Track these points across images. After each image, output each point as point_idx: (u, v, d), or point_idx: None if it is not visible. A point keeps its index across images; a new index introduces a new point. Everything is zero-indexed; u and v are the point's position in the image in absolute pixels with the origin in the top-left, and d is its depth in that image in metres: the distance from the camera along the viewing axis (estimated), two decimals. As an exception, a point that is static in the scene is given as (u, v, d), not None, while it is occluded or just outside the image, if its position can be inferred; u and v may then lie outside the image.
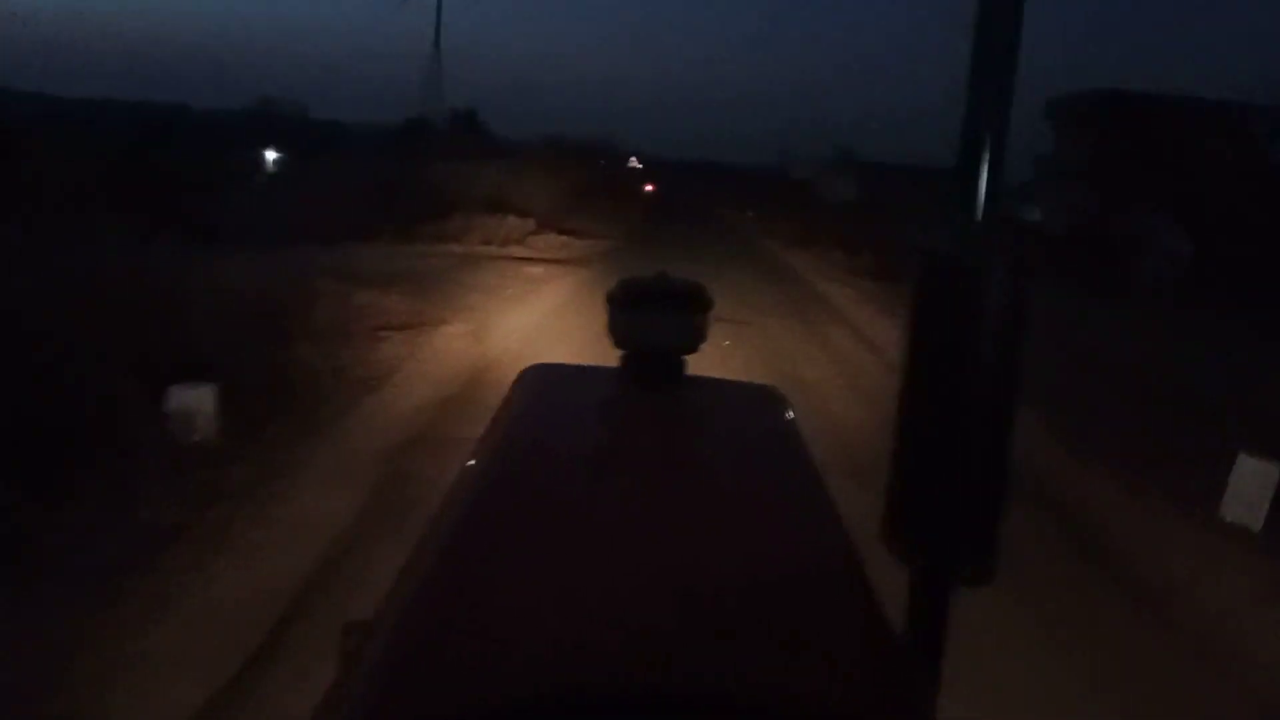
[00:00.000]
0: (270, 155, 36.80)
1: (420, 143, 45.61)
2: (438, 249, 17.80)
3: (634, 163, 72.79)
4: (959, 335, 1.00)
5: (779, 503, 1.35)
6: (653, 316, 1.62)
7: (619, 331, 1.64)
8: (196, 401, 6.12)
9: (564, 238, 22.01)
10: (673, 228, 29.48)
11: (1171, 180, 32.17)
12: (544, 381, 1.80)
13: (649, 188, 51.04)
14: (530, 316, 12.00)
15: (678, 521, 1.21)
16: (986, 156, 1.01)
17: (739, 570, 1.09)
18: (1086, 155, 36.10)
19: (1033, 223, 42.48)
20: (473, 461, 1.39)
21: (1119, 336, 12.48)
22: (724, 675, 0.87)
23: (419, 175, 25.62)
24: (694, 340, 1.64)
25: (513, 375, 1.80)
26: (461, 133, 53.05)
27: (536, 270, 16.28)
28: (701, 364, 1.66)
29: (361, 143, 42.13)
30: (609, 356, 1.66)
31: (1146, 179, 32.71)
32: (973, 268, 1.00)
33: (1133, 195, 31.88)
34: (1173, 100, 35.13)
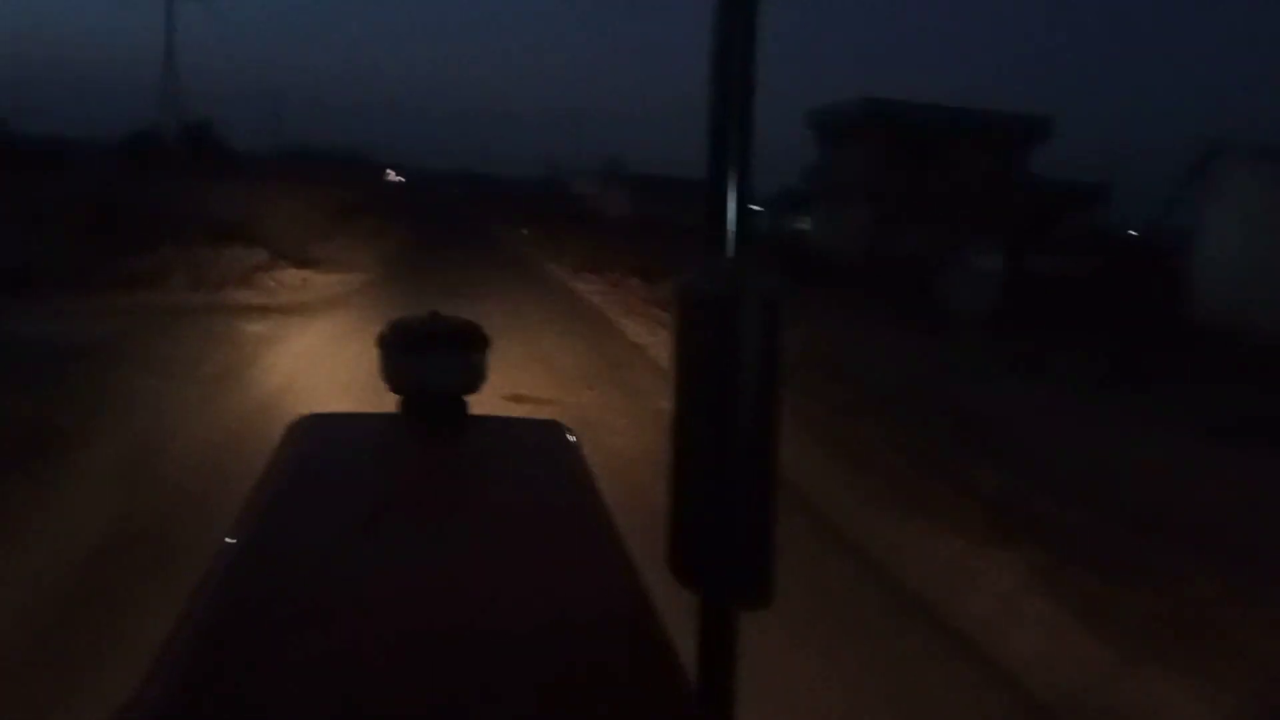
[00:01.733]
0: None
1: (145, 159, 40.37)
2: (127, 299, 13.17)
3: (393, 175, 67.44)
4: (719, 366, 1.04)
5: (565, 542, 1.31)
6: (428, 358, 1.57)
7: (394, 376, 1.58)
8: None
9: (304, 272, 17.53)
10: (442, 252, 25.09)
11: (942, 191, 31.79)
12: (317, 431, 1.69)
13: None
14: (227, 420, 7.75)
15: (460, 570, 1.18)
16: (733, 193, 1.07)
17: (525, 613, 1.07)
18: (855, 167, 35.45)
19: (802, 232, 42.33)
20: (243, 517, 1.30)
21: (1006, 405, 9.93)
22: None
23: (135, 197, 21.60)
24: (473, 380, 1.61)
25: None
26: (194, 147, 47.60)
27: (258, 328, 12.00)
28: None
29: (81, 158, 37.11)
30: None
31: (917, 190, 32.20)
32: (726, 300, 1.04)
33: (908, 208, 31.18)
34: (926, 108, 34.93)
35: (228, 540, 1.23)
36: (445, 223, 39.36)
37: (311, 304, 14.71)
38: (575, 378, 10.54)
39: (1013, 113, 36.55)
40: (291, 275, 16.93)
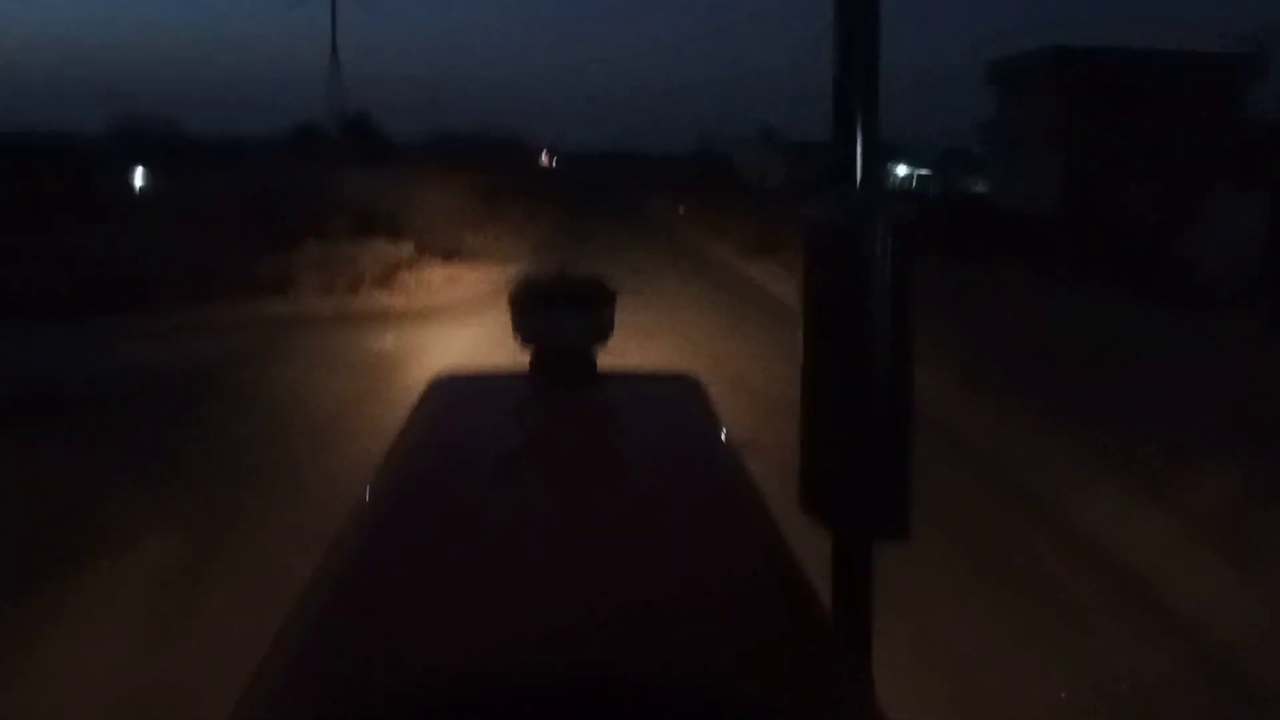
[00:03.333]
0: (140, 177, 31.98)
1: (308, 153, 40.41)
2: (251, 309, 11.44)
3: (546, 158, 66.18)
4: (849, 299, 1.01)
5: (699, 489, 1.29)
6: (558, 314, 1.58)
7: (524, 331, 1.61)
8: None
9: (450, 268, 15.58)
10: (597, 238, 22.34)
11: (1148, 142, 27.44)
12: (453, 389, 1.74)
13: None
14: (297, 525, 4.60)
15: (597, 517, 1.18)
16: (860, 123, 1.03)
17: (664, 560, 1.05)
18: (1044, 120, 31.59)
19: (979, 195, 38.42)
20: (383, 472, 1.31)
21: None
22: (650, 661, 0.83)
23: (291, 190, 20.77)
24: (602, 335, 1.61)
25: None
26: (354, 138, 47.61)
27: (389, 344, 9.88)
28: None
29: (251, 155, 37.40)
30: None
31: (1118, 142, 27.99)
32: (855, 230, 1.00)
33: (1108, 161, 27.08)
34: (1121, 52, 30.56)
35: (367, 492, 1.23)
36: (599, 204, 37.00)
37: (455, 307, 12.57)
38: (782, 409, 7.83)
39: (1221, 51, 31.61)
40: (436, 272, 14.93)
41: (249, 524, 5.00)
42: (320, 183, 23.09)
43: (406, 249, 15.67)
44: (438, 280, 14.50)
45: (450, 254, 16.56)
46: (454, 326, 10.99)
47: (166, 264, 12.86)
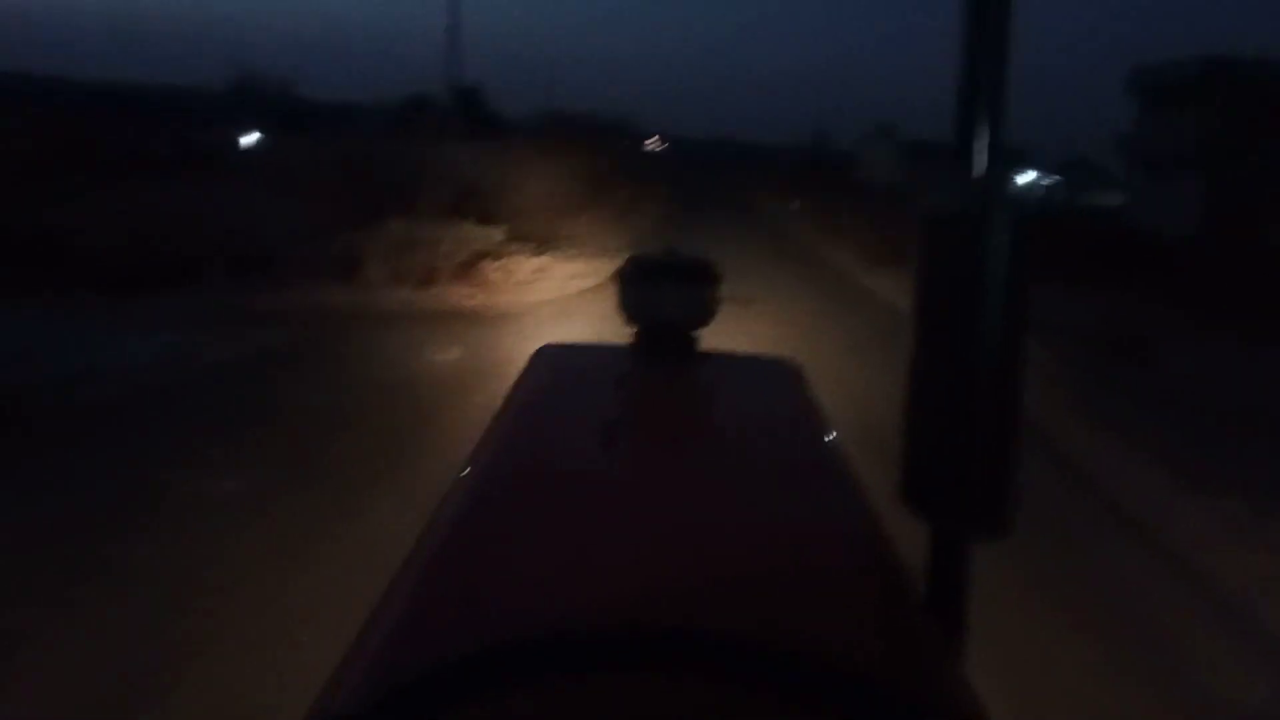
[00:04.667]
0: (249, 136, 31.54)
1: (416, 123, 39.70)
2: (310, 296, 9.99)
3: (652, 144, 64.06)
4: (964, 288, 0.97)
5: (797, 473, 1.26)
6: (664, 292, 1.61)
7: (630, 308, 1.63)
8: None
9: (540, 259, 14.00)
10: (703, 233, 19.96)
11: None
12: (557, 360, 1.76)
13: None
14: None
15: (694, 494, 1.15)
16: (985, 113, 0.99)
17: (759, 537, 1.04)
18: (1189, 137, 28.76)
19: (1110, 208, 35.52)
20: (488, 436, 1.30)
21: None
22: (745, 623, 0.82)
23: (392, 160, 19.49)
24: (705, 315, 1.62)
25: None
26: (463, 111, 46.84)
27: (454, 356, 8.18)
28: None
29: (361, 122, 37.03)
30: None
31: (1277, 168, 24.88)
32: (973, 219, 0.97)
33: (1266, 189, 24.04)
34: (1285, 66, 27.57)
35: (482, 439, 1.27)
36: (706, 195, 34.79)
37: (539, 309, 10.91)
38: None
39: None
40: (524, 264, 13.31)
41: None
42: (420, 155, 22.08)
43: (497, 234, 14.14)
44: (525, 273, 12.85)
45: (542, 243, 14.99)
46: (531, 337, 9.36)
47: (234, 235, 11.66)
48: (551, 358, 1.73)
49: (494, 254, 13.22)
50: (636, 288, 1.60)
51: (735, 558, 0.96)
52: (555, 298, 11.66)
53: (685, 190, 34.48)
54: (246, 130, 32.62)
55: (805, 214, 28.23)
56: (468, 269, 12.18)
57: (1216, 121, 27.59)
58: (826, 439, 1.39)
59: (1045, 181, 50.65)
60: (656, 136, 66.67)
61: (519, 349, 7.80)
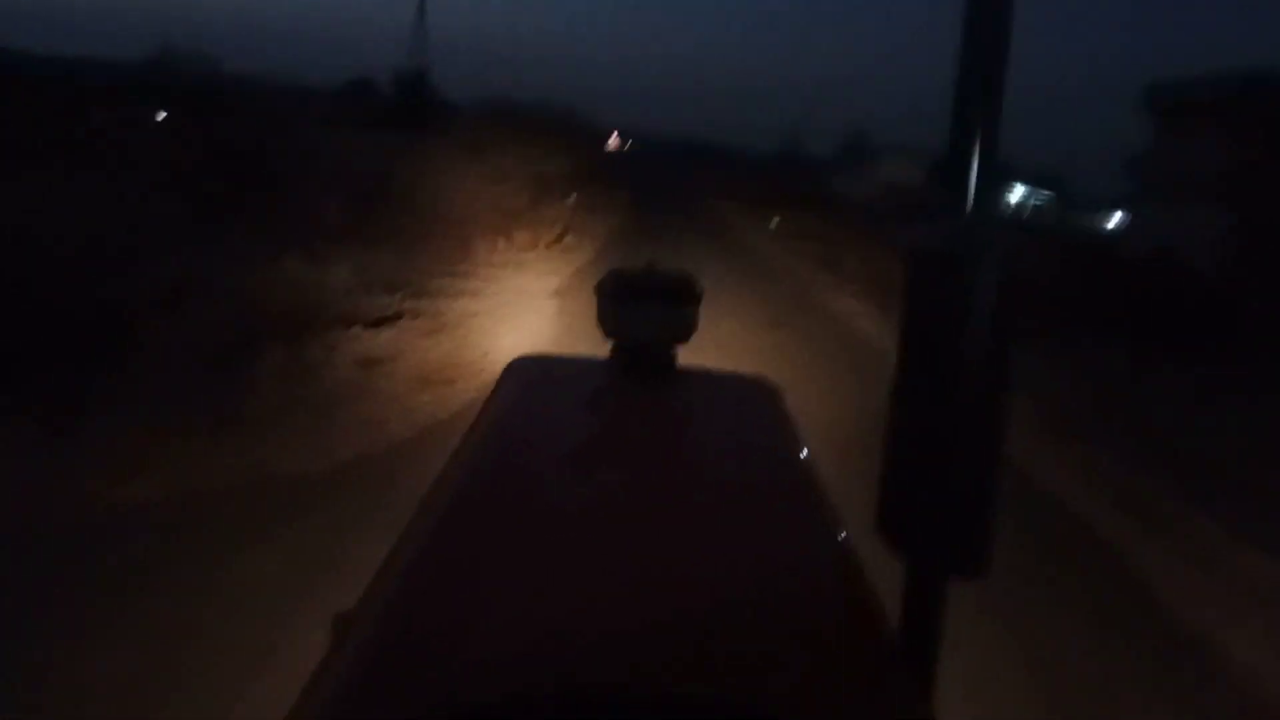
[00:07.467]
0: (159, 116, 27.42)
1: (350, 110, 35.13)
2: None
3: (613, 142, 58.24)
4: (949, 328, 0.96)
5: (771, 495, 1.26)
6: (643, 308, 1.57)
7: (608, 323, 1.59)
8: None
9: (366, 341, 8.93)
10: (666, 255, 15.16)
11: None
12: (532, 373, 1.71)
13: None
14: None
15: (666, 515, 1.14)
16: (976, 150, 0.96)
17: (730, 565, 1.03)
18: (1213, 161, 24.76)
19: (1106, 232, 32.19)
20: (459, 452, 1.29)
21: None
22: (709, 674, 0.81)
23: (289, 152, 15.47)
24: (684, 331, 1.60)
25: None
26: (405, 97, 42.03)
27: None
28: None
29: (286, 106, 32.01)
30: None
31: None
32: (961, 261, 0.95)
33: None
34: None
35: (455, 455, 1.23)
36: (673, 209, 28.45)
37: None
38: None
39: None
40: (361, 343, 8.11)
41: None
42: (328, 150, 17.48)
43: (342, 278, 9.12)
44: (353, 370, 7.52)
45: (411, 293, 9.78)
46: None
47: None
48: (525, 371, 1.68)
49: (317, 327, 7.91)
50: (615, 304, 1.56)
51: (702, 593, 0.93)
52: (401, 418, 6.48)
53: (648, 199, 29.20)
54: (154, 110, 27.92)
55: (786, 233, 23.27)
56: (233, 359, 6.98)
57: (1249, 146, 23.65)
58: (801, 458, 1.37)
59: (1035, 201, 46.64)
60: (615, 133, 60.52)
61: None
